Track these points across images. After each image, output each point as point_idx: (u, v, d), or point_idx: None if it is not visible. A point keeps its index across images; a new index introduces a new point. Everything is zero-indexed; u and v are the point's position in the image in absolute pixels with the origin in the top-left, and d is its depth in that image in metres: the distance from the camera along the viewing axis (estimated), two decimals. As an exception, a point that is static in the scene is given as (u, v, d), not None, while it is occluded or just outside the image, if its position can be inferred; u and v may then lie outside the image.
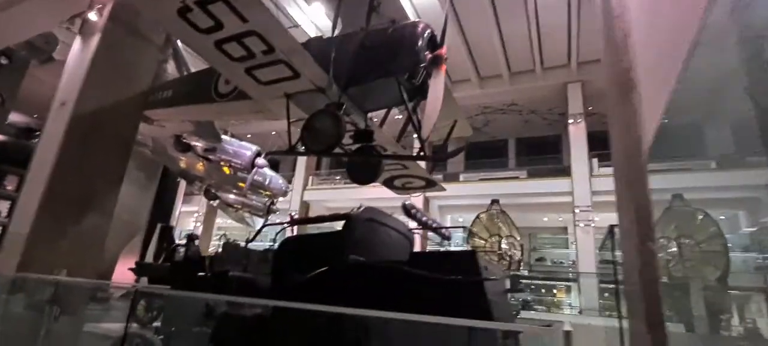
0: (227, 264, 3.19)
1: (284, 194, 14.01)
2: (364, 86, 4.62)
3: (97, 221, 5.43)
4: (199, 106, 5.86)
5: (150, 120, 6.75)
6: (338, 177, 21.59)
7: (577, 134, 14.69)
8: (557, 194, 15.15)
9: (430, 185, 7.69)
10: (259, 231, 3.86)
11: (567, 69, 14.96)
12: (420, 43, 4.34)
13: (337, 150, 4.65)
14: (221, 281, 2.89)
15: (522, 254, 12.54)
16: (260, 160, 12.46)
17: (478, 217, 13.00)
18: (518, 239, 12.58)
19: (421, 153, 4.37)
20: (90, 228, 5.15)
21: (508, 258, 12.15)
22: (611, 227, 3.63)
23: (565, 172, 15.40)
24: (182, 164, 13.07)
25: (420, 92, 4.55)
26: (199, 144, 11.48)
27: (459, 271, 1.92)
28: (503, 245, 12.24)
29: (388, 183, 7.90)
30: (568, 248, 19.81)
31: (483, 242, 12.51)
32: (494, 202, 13.34)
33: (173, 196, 18.90)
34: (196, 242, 5.62)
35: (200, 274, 3.27)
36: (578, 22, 12.88)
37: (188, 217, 23.31)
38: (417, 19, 4.70)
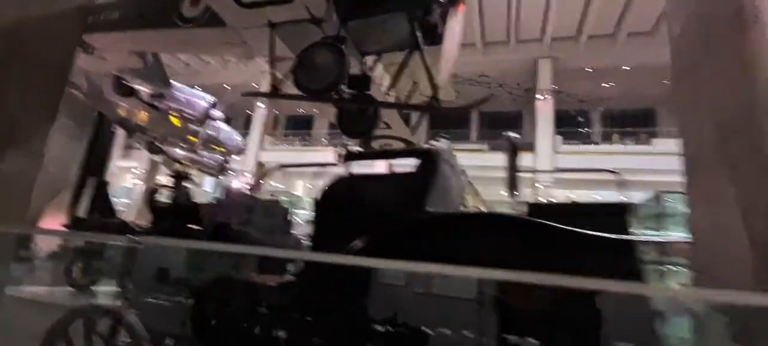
0: (230, 214, 2.46)
1: (240, 151, 12.91)
2: (367, 21, 3.91)
3: (21, 165, 4.34)
4: (156, 32, 4.82)
5: (89, 48, 5.55)
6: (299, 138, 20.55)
7: (544, 110, 14.77)
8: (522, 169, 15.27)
9: (410, 146, 7.18)
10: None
11: (539, 44, 14.86)
12: (441, -27, 3.70)
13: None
14: (221, 238, 2.20)
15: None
16: (216, 112, 11.25)
17: (445, 187, 12.74)
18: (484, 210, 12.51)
19: (434, 100, 3.78)
20: (14, 173, 4.08)
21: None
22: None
23: (528, 147, 15.53)
24: (122, 112, 11.52)
25: (430, 35, 3.92)
26: (144, 88, 10.08)
27: (606, 228, 1.43)
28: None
29: (365, 144, 7.30)
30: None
31: (449, 212, 12.31)
32: (461, 172, 13.13)
33: (108, 148, 16.99)
34: (188, 185, 4.68)
35: (191, 226, 2.51)
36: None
37: (126, 173, 21.24)
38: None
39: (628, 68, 15.64)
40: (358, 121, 4.50)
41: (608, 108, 19.55)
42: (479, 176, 14.96)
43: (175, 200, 3.10)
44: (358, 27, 3.99)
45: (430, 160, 1.49)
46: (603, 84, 17.34)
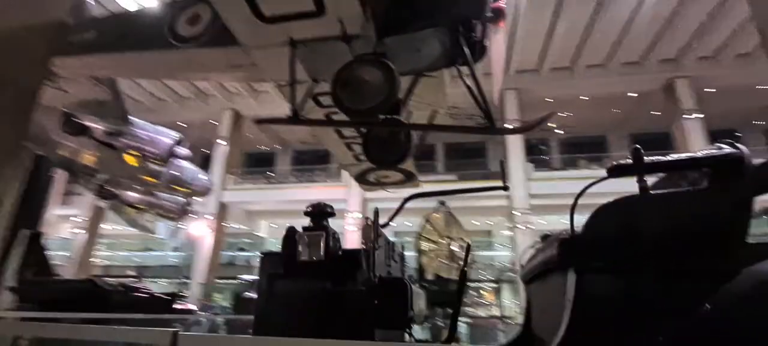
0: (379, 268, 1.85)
1: (207, 192, 11.87)
2: (401, 38, 3.54)
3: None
4: (145, 54, 4.14)
5: (54, 76, 4.68)
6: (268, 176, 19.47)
7: (513, 140, 15.09)
8: (492, 198, 15.37)
9: (410, 178, 6.82)
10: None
11: (505, 75, 15.34)
12: (487, -14, 3.45)
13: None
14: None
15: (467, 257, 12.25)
16: (181, 150, 10.28)
17: (428, 220, 12.41)
18: (468, 241, 12.29)
19: (489, 123, 3.42)
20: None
21: (457, 262, 11.76)
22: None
23: (500, 176, 15.70)
24: (66, 152, 10.22)
25: (474, 52, 3.63)
26: (99, 126, 8.99)
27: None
28: (454, 248, 11.82)
29: (362, 177, 6.82)
30: (492, 249, 20.52)
31: (433, 244, 11.95)
32: (441, 202, 12.93)
33: (45, 194, 15.09)
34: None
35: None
36: (515, 30, 13.20)
37: (64, 222, 18.96)
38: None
39: (585, 98, 16.54)
40: (388, 147, 4.05)
41: (565, 136, 20.55)
42: (457, 206, 14.83)
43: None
44: (391, 44, 3.61)
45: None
46: (560, 113, 18.23)
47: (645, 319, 1.00)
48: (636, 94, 17.16)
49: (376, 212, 1.99)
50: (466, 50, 3.41)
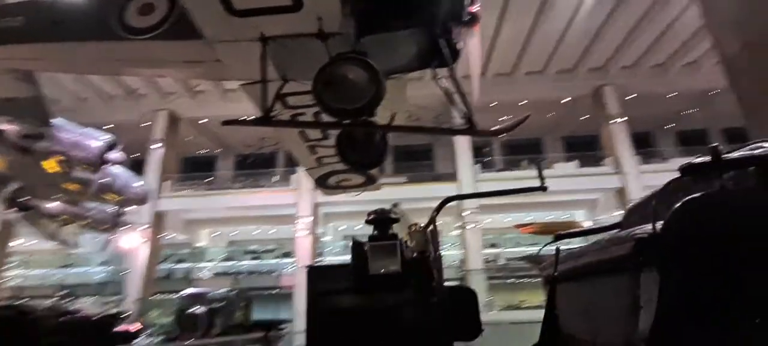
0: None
1: (143, 200, 10.90)
2: (378, 38, 3.44)
3: None
4: (84, 45, 3.65)
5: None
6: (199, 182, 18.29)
7: (461, 142, 15.54)
8: (437, 199, 15.71)
9: (370, 182, 6.75)
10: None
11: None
12: (467, -10, 3.45)
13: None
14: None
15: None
16: (114, 155, 9.35)
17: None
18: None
19: (469, 126, 3.39)
20: None
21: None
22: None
23: (450, 177, 16.13)
24: (-33, 157, 8.90)
25: (453, 54, 3.61)
26: (14, 127, 7.94)
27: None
28: (408, 250, 11.89)
29: (322, 181, 6.62)
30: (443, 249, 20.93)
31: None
32: (395, 204, 12.95)
33: (-61, 207, 12.98)
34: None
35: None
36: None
37: (-39, 239, 16.44)
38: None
39: (524, 103, 17.50)
40: (364, 149, 3.91)
41: (505, 139, 21.60)
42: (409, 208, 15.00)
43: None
44: (367, 43, 3.49)
45: None
46: (501, 118, 19.20)
47: (739, 315, 1.00)
48: (569, 99, 18.48)
49: (433, 218, 1.88)
50: (446, 52, 3.39)
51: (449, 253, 18.38)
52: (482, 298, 13.01)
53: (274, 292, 16.87)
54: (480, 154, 18.38)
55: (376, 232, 1.83)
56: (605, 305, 1.34)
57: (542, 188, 2.41)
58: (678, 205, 1.03)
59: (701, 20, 13.95)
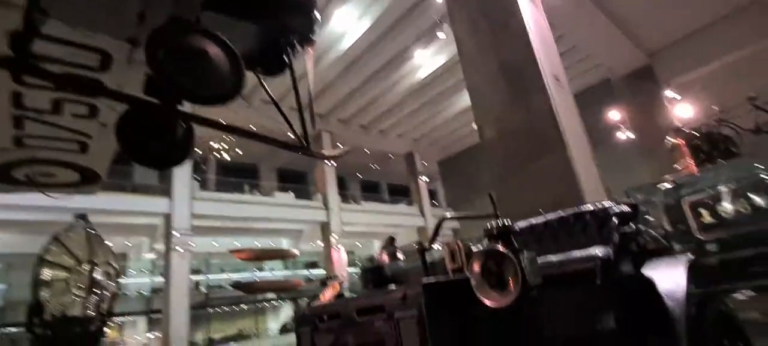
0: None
1: None
2: (222, 19, 2.74)
3: None
4: None
5: None
6: None
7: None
8: (146, 215, 13.26)
9: (92, 180, 5.13)
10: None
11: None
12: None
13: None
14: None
15: (117, 287, 9.92)
16: None
17: (58, 239, 9.16)
18: (116, 267, 9.90)
19: (305, 143, 2.94)
20: None
21: (100, 293, 9.29)
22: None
23: (157, 191, 13.83)
24: None
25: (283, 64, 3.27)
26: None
27: None
28: (97, 276, 9.23)
29: (5, 170, 4.50)
30: (125, 275, 17.26)
31: (65, 272, 8.89)
32: (81, 216, 9.93)
33: None
34: None
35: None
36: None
37: None
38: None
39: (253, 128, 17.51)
40: (160, 142, 2.80)
41: (225, 160, 20.72)
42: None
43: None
44: (208, 21, 2.72)
45: None
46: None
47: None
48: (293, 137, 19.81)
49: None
50: (289, 60, 3.03)
51: (136, 282, 15.51)
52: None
53: None
54: (198, 170, 16.81)
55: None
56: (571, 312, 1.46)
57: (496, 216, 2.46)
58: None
59: (398, 97, 18.40)
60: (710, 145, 6.87)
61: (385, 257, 2.03)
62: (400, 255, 2.11)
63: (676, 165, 6.70)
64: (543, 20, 5.97)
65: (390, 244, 2.10)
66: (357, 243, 24.88)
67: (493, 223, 1.46)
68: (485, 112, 5.51)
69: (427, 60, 16.24)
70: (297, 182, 22.67)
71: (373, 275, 1.94)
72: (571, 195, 4.35)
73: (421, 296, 1.41)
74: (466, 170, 24.39)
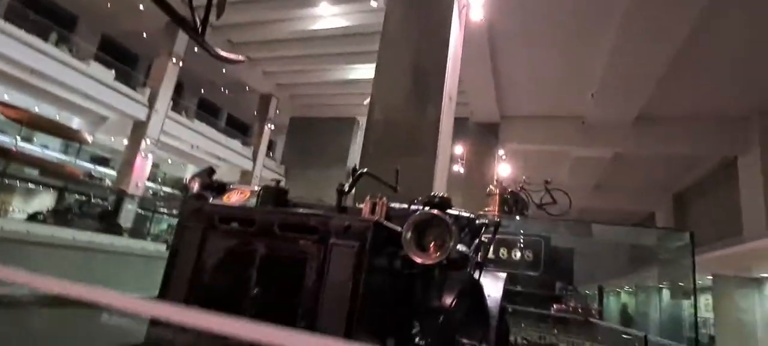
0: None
1: None
2: None
3: None
4: None
5: None
6: None
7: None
8: None
9: None
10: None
11: None
12: None
13: None
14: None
15: None
16: None
17: None
18: None
19: (200, 29, 2.19)
20: None
21: None
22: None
23: None
24: None
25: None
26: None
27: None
28: None
29: None
30: None
31: None
32: None
33: None
34: None
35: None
36: None
37: None
38: None
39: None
40: None
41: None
42: None
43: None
44: None
45: None
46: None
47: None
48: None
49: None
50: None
51: None
52: None
53: None
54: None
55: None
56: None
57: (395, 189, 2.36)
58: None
59: (284, 35, 17.03)
60: (514, 202, 8.46)
61: (195, 186, 1.89)
62: (242, 195, 1.93)
63: (487, 208, 8.00)
64: (460, 44, 6.40)
65: (208, 174, 1.95)
66: (168, 160, 21.92)
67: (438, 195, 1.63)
68: (384, 95, 5.57)
69: (330, 16, 15.52)
70: (123, 62, 18.55)
71: (276, 197, 1.78)
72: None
73: (368, 230, 1.40)
74: (315, 138, 24.26)
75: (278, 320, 1.28)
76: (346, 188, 1.77)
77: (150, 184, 20.20)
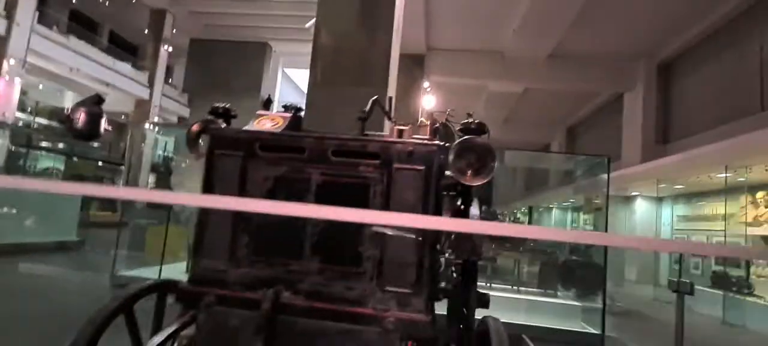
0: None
1: None
2: None
3: None
4: None
5: None
6: None
7: None
8: None
9: None
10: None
11: None
12: None
13: None
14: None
15: None
16: None
17: None
18: None
19: None
20: None
21: None
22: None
23: None
24: None
25: None
26: None
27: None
28: None
29: None
30: None
31: None
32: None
33: None
34: None
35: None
36: None
37: None
38: None
39: None
40: None
41: None
42: None
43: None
44: None
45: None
46: None
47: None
48: None
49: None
50: None
51: None
52: None
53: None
54: None
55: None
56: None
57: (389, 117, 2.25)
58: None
59: None
60: (444, 133, 8.89)
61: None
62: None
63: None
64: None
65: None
66: (40, 85, 18.24)
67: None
68: (334, 19, 5.11)
69: None
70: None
71: (294, 121, 1.75)
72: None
73: (434, 153, 1.43)
74: (222, 64, 21.98)
75: (343, 247, 1.37)
76: (366, 117, 1.72)
77: (20, 114, 16.82)
